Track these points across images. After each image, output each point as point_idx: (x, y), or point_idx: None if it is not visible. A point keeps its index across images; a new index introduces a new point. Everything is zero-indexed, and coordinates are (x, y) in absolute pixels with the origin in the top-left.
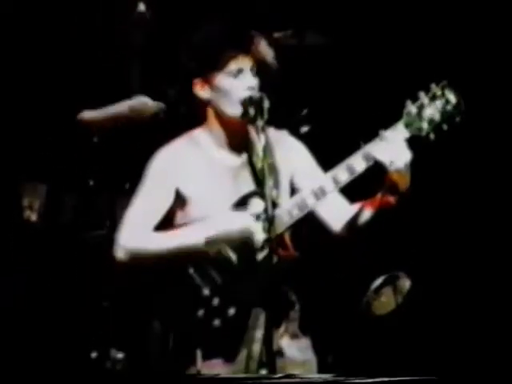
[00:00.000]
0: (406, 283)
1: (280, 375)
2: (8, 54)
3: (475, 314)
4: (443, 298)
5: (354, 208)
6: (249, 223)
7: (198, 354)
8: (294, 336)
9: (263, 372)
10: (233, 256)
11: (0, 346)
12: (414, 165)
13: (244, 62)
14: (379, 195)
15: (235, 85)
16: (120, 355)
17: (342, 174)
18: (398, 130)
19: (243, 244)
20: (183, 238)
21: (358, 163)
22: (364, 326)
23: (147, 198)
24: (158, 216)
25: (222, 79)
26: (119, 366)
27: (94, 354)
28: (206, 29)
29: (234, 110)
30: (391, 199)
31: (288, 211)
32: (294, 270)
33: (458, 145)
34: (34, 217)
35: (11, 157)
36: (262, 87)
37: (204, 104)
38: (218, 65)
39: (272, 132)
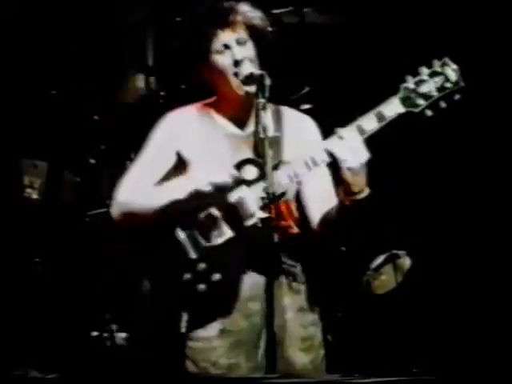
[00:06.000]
0: (406, 262)
1: (280, 375)
2: (10, 31)
3: (476, 300)
4: (444, 279)
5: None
6: (241, 190)
7: (184, 317)
8: (300, 310)
9: (263, 344)
10: (220, 218)
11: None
12: (413, 145)
13: (227, 37)
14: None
15: (224, 61)
16: (121, 334)
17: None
18: (389, 107)
19: (232, 209)
20: (173, 190)
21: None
22: (363, 307)
23: (147, 160)
24: (156, 178)
25: (214, 58)
26: (119, 344)
27: (94, 333)
28: (188, 13)
29: (230, 88)
30: (346, 200)
31: (277, 181)
32: (295, 241)
33: (458, 124)
34: (34, 195)
35: (12, 135)
36: (261, 56)
37: (209, 80)
38: (205, 48)
39: (286, 107)
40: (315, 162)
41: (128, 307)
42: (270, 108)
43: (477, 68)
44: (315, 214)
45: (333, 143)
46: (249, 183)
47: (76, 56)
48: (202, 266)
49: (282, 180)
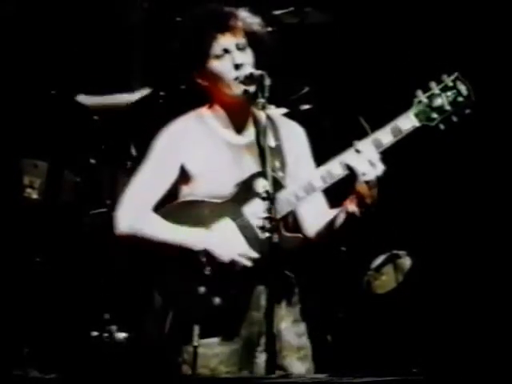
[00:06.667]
0: (406, 262)
1: (279, 375)
2: (11, 32)
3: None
4: (444, 279)
5: (329, 216)
6: (243, 246)
7: (196, 329)
8: (294, 321)
9: (260, 354)
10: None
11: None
12: (412, 147)
13: (226, 41)
14: (344, 205)
15: (223, 66)
16: (121, 334)
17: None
18: (405, 121)
19: (247, 225)
20: (179, 236)
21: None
22: (364, 311)
23: (151, 174)
24: (160, 192)
25: (212, 63)
26: (119, 345)
27: (94, 333)
28: (188, 15)
29: (229, 91)
30: (356, 211)
31: (294, 193)
32: (296, 252)
33: (465, 133)
34: (34, 195)
35: (12, 135)
36: (260, 63)
37: (205, 88)
38: (203, 51)
39: (277, 114)
40: (332, 175)
41: (128, 307)
42: (264, 116)
43: (479, 82)
44: (312, 228)
45: (350, 157)
46: (261, 196)
47: (76, 56)
48: (217, 279)
49: (298, 193)
